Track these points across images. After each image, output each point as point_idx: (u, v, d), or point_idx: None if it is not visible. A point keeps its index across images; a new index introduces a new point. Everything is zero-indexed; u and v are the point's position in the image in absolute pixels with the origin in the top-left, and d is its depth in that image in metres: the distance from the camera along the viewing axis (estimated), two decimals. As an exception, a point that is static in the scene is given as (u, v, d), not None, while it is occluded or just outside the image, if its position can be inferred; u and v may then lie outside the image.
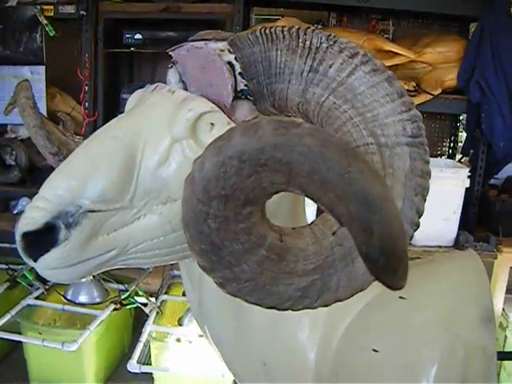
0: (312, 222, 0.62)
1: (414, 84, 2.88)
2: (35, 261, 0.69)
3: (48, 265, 0.69)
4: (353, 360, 0.81)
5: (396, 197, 0.66)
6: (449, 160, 3.06)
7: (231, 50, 0.75)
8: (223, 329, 0.86)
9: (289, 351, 0.85)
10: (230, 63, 0.74)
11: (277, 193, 0.49)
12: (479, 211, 2.87)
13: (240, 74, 0.74)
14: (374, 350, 0.78)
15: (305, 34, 0.72)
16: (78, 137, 1.06)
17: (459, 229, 2.84)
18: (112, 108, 3.02)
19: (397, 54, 2.92)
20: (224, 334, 0.87)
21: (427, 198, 0.66)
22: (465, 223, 2.85)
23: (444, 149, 3.47)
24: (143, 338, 2.56)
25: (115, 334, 2.93)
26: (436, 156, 3.41)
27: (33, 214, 0.69)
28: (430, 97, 2.77)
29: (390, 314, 0.81)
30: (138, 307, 2.84)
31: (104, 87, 2.97)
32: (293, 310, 0.61)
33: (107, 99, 3.01)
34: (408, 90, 2.95)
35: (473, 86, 2.63)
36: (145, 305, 2.82)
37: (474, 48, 2.65)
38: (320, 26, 3.02)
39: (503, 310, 2.96)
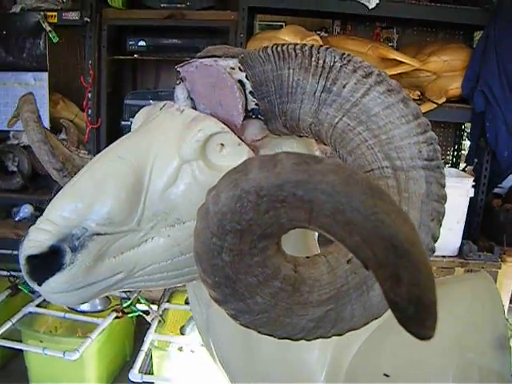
0: (326, 250, 0.60)
1: (418, 93, 2.87)
2: (40, 285, 0.67)
3: (53, 289, 0.67)
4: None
5: (414, 207, 0.64)
6: (453, 169, 3.03)
7: (242, 68, 0.73)
8: (230, 350, 0.84)
9: (297, 374, 0.83)
10: (240, 81, 0.72)
11: (295, 228, 0.47)
12: (483, 221, 2.85)
13: (251, 92, 0.72)
14: (385, 375, 0.76)
15: (318, 52, 0.70)
16: (82, 151, 1.04)
17: (463, 238, 2.82)
18: (115, 115, 3.00)
19: (401, 62, 2.90)
20: (230, 356, 0.85)
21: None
22: (469, 233, 2.83)
23: (448, 157, 3.45)
24: (145, 347, 2.53)
25: (117, 343, 2.91)
26: (440, 165, 3.38)
27: (38, 236, 0.67)
28: (434, 105, 2.75)
29: (402, 338, 0.79)
30: (139, 315, 2.81)
31: (107, 94, 2.95)
32: (306, 340, 0.59)
33: (110, 106, 2.99)
34: (413, 99, 2.93)
35: (477, 94, 2.61)
36: (147, 313, 2.79)
37: (479, 56, 2.63)
38: (323, 34, 3.00)
39: (507, 319, 2.93)
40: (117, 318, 2.73)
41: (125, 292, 2.86)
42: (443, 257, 2.85)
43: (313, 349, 0.83)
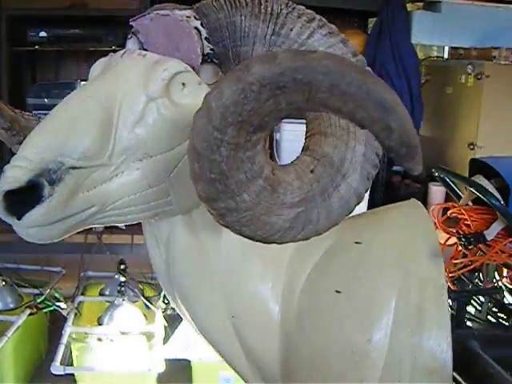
0: (292, 162, 0.69)
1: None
2: (19, 218, 0.71)
3: (32, 222, 0.71)
4: (316, 303, 0.88)
5: (360, 142, 0.74)
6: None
7: (197, 17, 0.80)
8: (191, 283, 0.90)
9: (252, 303, 0.91)
10: (196, 28, 0.80)
11: (288, 116, 0.55)
12: (384, 197, 3.06)
13: (206, 38, 0.80)
14: (337, 291, 0.86)
15: (266, 1, 0.78)
16: (26, 113, 1.06)
17: (366, 213, 3.01)
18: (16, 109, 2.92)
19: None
20: (192, 289, 0.91)
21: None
22: (372, 208, 3.02)
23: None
24: (64, 339, 2.51)
25: (32, 340, 2.85)
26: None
27: (14, 173, 0.70)
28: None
29: (349, 258, 0.89)
30: (53, 311, 2.78)
31: (8, 87, 2.88)
32: (277, 243, 0.68)
33: (11, 100, 2.91)
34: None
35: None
36: (61, 307, 2.76)
37: (374, 41, 2.84)
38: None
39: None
40: (31, 314, 2.68)
41: (37, 288, 2.82)
42: (349, 232, 3.04)
43: (266, 281, 0.91)
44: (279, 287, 0.91)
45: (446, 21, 2.85)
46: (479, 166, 2.07)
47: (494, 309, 1.81)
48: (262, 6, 0.78)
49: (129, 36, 0.90)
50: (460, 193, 2.12)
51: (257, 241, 0.66)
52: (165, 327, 2.74)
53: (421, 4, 3.01)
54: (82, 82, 3.08)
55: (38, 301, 2.72)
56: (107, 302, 2.88)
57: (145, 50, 0.86)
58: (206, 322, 0.93)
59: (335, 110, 0.49)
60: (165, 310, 2.87)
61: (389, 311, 0.85)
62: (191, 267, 0.90)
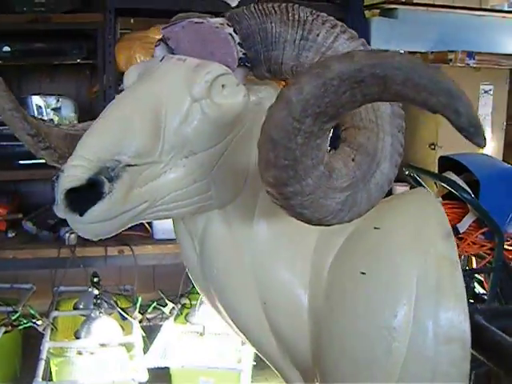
0: (336, 152, 0.77)
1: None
2: (81, 215, 0.76)
3: (95, 217, 0.76)
4: (343, 285, 0.96)
5: (387, 133, 0.83)
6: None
7: (229, 24, 0.87)
8: (225, 273, 0.97)
9: (282, 290, 0.98)
10: (230, 35, 0.87)
11: (360, 106, 0.63)
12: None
13: (239, 43, 0.87)
14: (362, 273, 0.95)
15: (292, 9, 0.87)
16: (46, 121, 1.10)
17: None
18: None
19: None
20: (226, 279, 0.97)
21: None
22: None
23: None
24: (43, 355, 2.51)
25: (7, 358, 2.83)
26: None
27: (74, 171, 0.75)
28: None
29: (369, 242, 0.98)
30: (27, 328, 2.77)
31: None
32: (327, 225, 0.75)
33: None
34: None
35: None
36: (37, 324, 2.75)
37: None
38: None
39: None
40: (6, 332, 2.66)
41: (11, 305, 2.79)
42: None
43: (295, 269, 0.99)
44: (306, 273, 0.98)
45: (402, 27, 3.01)
46: (447, 164, 2.21)
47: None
48: (290, 14, 0.86)
49: (156, 43, 0.96)
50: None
51: (313, 223, 0.74)
52: (143, 337, 2.77)
53: (377, 11, 3.16)
54: (34, 96, 3.08)
55: (13, 318, 2.71)
56: (82, 315, 2.88)
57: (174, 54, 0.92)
58: (239, 310, 0.99)
59: (409, 99, 0.58)
60: (141, 321, 2.90)
61: (411, 288, 0.93)
62: (225, 258, 0.96)
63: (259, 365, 2.77)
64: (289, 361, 1.04)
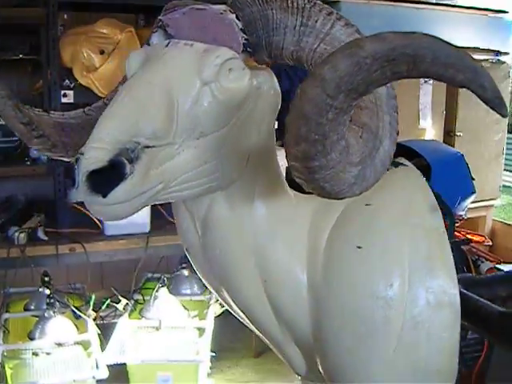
0: (347, 131, 0.82)
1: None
2: (105, 196, 0.77)
3: (117, 198, 0.78)
4: (340, 259, 1.01)
5: (385, 113, 0.88)
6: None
7: (231, 11, 0.91)
8: (228, 252, 1.00)
9: (280, 267, 1.03)
10: (233, 21, 0.90)
11: (387, 83, 0.68)
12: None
13: (241, 29, 0.90)
14: (358, 247, 1.00)
15: None
16: (36, 109, 1.09)
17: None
18: None
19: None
20: (228, 258, 1.00)
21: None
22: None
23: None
24: (-2, 359, 2.46)
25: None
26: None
27: (95, 154, 0.77)
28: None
29: (362, 219, 1.03)
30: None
31: None
32: (341, 198, 0.80)
33: None
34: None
35: (283, 74, 2.99)
36: (-14, 327, 2.68)
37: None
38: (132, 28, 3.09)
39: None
40: (-46, 337, 2.58)
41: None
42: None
43: (292, 248, 1.03)
44: (303, 252, 1.03)
45: (345, 19, 3.10)
46: (398, 150, 2.31)
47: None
48: (289, 1, 0.90)
49: (154, 30, 0.98)
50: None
51: (331, 197, 0.79)
52: (98, 335, 2.74)
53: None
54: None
55: (-38, 323, 2.63)
56: (34, 316, 2.83)
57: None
58: (241, 288, 1.03)
59: (437, 75, 0.63)
60: (95, 318, 2.87)
61: (404, 259, 1.00)
62: (228, 239, 1.00)
63: (217, 356, 2.82)
64: (289, 338, 1.08)
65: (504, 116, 0.64)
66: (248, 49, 0.92)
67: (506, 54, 3.60)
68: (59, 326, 2.71)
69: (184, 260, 3.23)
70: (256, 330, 1.13)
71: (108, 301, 2.93)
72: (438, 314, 1.00)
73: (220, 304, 3.04)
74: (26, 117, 1.02)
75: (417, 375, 1.01)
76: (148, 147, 0.81)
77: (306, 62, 0.90)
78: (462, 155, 1.82)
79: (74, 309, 2.82)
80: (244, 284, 1.03)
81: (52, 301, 2.76)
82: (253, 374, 3.24)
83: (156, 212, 3.08)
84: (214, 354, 2.75)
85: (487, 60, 3.49)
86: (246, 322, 1.12)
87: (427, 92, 3.25)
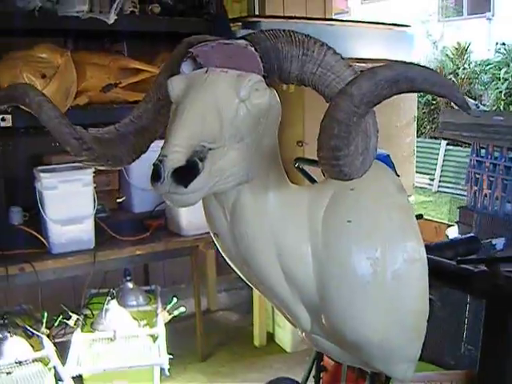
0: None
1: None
2: (186, 186, 1.08)
3: (195, 188, 1.09)
4: (335, 231, 1.36)
5: (368, 117, 1.25)
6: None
7: (251, 45, 1.24)
8: (251, 233, 1.31)
9: (290, 241, 1.36)
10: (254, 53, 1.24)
11: (392, 96, 1.04)
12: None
13: (260, 58, 1.24)
14: (348, 221, 1.36)
15: (293, 33, 1.26)
16: (78, 127, 1.35)
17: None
18: None
19: (141, 70, 3.48)
20: (251, 237, 1.32)
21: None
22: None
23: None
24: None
25: None
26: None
27: (176, 156, 1.07)
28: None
29: (349, 200, 1.39)
30: None
31: None
32: (351, 179, 1.16)
33: None
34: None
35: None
36: None
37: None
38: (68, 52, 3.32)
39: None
40: None
41: None
42: (207, 233, 3.50)
43: (296, 223, 1.37)
44: (305, 227, 1.37)
45: (265, 38, 3.50)
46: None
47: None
48: (293, 37, 1.25)
49: (184, 59, 1.29)
50: (316, 179, 2.71)
51: (346, 178, 1.13)
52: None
53: (240, 24, 3.63)
54: None
55: None
56: (-14, 338, 2.96)
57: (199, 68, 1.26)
58: (261, 262, 1.35)
59: (426, 91, 1.01)
60: (49, 335, 3.05)
61: (384, 229, 1.37)
62: (252, 221, 1.31)
63: (175, 358, 3.08)
64: (298, 299, 1.41)
65: (469, 114, 1.03)
66: (264, 73, 1.25)
67: (411, 64, 4.15)
68: (16, 345, 2.88)
69: (128, 273, 3.48)
70: (271, 298, 1.46)
71: (60, 317, 3.11)
72: (412, 267, 1.38)
73: (168, 312, 3.33)
74: (77, 133, 1.30)
75: (399, 314, 1.38)
76: (210, 149, 1.12)
77: (308, 82, 1.25)
78: (388, 155, 2.22)
79: (29, 327, 2.99)
80: (264, 257, 1.35)
81: (6, 321, 2.92)
82: (201, 377, 3.52)
83: (99, 228, 3.32)
84: (171, 357, 3.01)
85: (394, 70, 4.01)
86: (263, 291, 1.45)
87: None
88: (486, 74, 11.68)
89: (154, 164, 1.10)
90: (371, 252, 1.36)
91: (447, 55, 12.52)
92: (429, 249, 1.60)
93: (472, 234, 2.04)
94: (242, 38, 1.28)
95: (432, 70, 1.03)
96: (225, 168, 1.18)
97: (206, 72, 1.22)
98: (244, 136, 1.20)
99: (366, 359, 1.48)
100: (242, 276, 1.46)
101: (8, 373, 2.77)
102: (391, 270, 1.37)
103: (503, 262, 1.45)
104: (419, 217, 1.71)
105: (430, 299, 1.46)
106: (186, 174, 1.09)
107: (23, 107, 1.32)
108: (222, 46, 1.25)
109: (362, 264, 1.36)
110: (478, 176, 2.92)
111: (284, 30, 1.26)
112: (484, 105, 10.90)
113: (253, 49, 1.24)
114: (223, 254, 1.43)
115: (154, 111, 1.43)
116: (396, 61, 1.02)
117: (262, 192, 1.31)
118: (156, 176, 1.08)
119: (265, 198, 1.32)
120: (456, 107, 1.02)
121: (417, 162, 4.47)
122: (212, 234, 1.41)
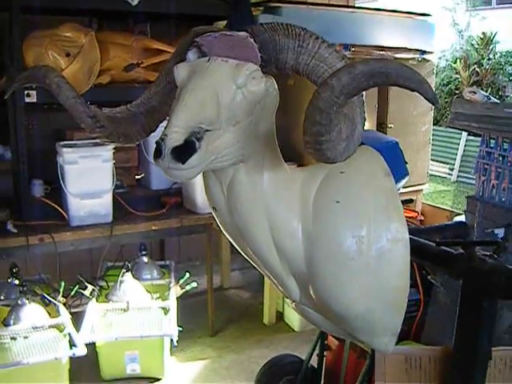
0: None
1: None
2: (183, 163, 1.23)
3: (192, 164, 1.23)
4: (325, 210, 1.50)
5: (356, 106, 1.38)
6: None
7: (251, 37, 1.38)
8: (246, 208, 1.45)
9: (282, 217, 1.50)
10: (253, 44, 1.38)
11: (369, 88, 1.18)
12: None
13: (258, 49, 1.38)
14: (337, 202, 1.50)
15: (289, 26, 1.39)
16: (93, 106, 1.51)
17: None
18: None
19: (162, 51, 3.63)
20: (246, 212, 1.46)
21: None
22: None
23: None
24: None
25: None
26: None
27: (175, 136, 1.22)
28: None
29: (339, 182, 1.53)
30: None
31: None
32: (334, 162, 1.30)
33: None
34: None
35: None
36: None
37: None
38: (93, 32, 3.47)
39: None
40: None
41: None
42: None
43: (289, 204, 1.51)
44: (297, 205, 1.52)
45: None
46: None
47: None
48: (289, 30, 1.38)
49: (190, 48, 1.44)
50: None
51: (329, 161, 1.27)
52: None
53: (261, 8, 3.75)
54: None
55: None
56: (6, 305, 3.18)
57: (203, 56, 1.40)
58: (255, 235, 1.50)
59: (399, 85, 1.13)
60: (65, 304, 3.24)
61: (369, 210, 1.51)
62: (247, 197, 1.46)
63: (186, 332, 3.27)
64: (288, 272, 1.56)
65: (437, 107, 1.16)
66: (262, 63, 1.39)
67: (431, 53, 4.27)
68: (33, 311, 3.09)
69: (143, 248, 3.67)
70: (263, 269, 1.61)
71: (76, 287, 3.30)
72: (395, 247, 1.52)
73: (180, 286, 3.51)
74: (92, 111, 1.45)
75: (381, 289, 1.52)
76: (207, 131, 1.27)
77: (302, 72, 1.39)
78: (397, 142, 2.33)
79: (46, 295, 3.19)
80: (257, 231, 1.50)
81: (24, 289, 3.12)
82: (210, 351, 3.70)
83: (117, 203, 3.50)
84: (180, 329, 3.19)
85: (414, 58, 4.14)
86: (256, 262, 1.60)
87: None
88: (510, 65, 11.62)
89: (156, 142, 1.25)
90: (357, 230, 1.50)
91: (472, 45, 12.49)
92: (418, 231, 1.75)
93: (461, 220, 2.15)
94: (244, 30, 1.42)
95: (407, 66, 1.16)
96: (220, 148, 1.32)
97: (208, 60, 1.36)
98: (239, 120, 1.34)
99: (349, 330, 1.63)
100: (237, 248, 1.61)
101: (25, 337, 2.98)
102: (375, 248, 1.51)
103: (478, 245, 1.58)
104: (409, 201, 1.84)
105: (434, 285, 1.59)
106: (184, 151, 1.23)
107: (43, 86, 1.47)
108: (225, 37, 1.39)
109: (348, 241, 1.50)
110: (486, 166, 3.01)
111: (282, 24, 1.39)
112: (508, 96, 10.87)
113: (252, 40, 1.37)
114: (221, 227, 1.59)
115: (163, 94, 1.57)
116: (374, 59, 1.15)
117: (257, 171, 1.46)
118: (158, 153, 1.23)
119: (259, 177, 1.47)
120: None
121: (437, 150, 4.59)
122: (211, 208, 1.56)
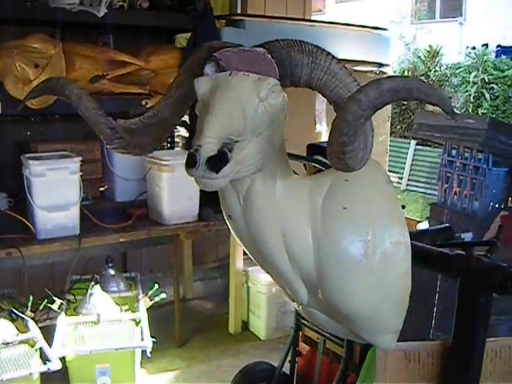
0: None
1: (148, 88, 3.70)
2: (217, 172, 1.31)
3: (225, 173, 1.32)
4: (332, 216, 1.60)
5: (370, 133, 1.49)
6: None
7: (268, 53, 1.48)
8: (261, 216, 1.55)
9: (293, 223, 1.61)
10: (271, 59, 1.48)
11: (393, 102, 1.29)
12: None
13: (276, 64, 1.48)
14: (344, 208, 1.62)
15: (304, 43, 1.50)
16: (110, 117, 1.57)
17: (200, 205, 3.77)
18: None
19: (127, 63, 3.68)
20: (261, 220, 1.56)
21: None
22: (204, 200, 3.77)
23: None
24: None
25: None
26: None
27: (209, 146, 1.30)
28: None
29: (345, 189, 1.64)
30: None
31: None
32: (353, 170, 1.41)
33: None
34: (143, 94, 3.75)
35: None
36: None
37: (189, 54, 3.60)
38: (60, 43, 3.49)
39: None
40: None
41: None
42: (188, 223, 3.75)
43: (298, 210, 1.61)
44: (306, 212, 1.62)
45: (249, 36, 3.72)
46: (314, 150, 2.98)
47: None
48: (303, 46, 1.49)
49: (208, 62, 1.52)
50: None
51: (349, 170, 1.39)
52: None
53: (224, 21, 3.86)
54: None
55: None
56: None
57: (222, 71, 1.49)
58: (268, 241, 1.59)
59: (422, 99, 1.26)
60: (33, 318, 3.23)
61: (374, 215, 1.63)
62: (261, 205, 1.55)
63: (157, 341, 3.30)
64: (298, 276, 1.66)
65: (456, 120, 1.29)
66: (278, 78, 1.49)
67: (387, 65, 4.48)
68: (1, 327, 3.06)
69: (110, 260, 3.69)
70: (273, 274, 1.70)
71: (45, 301, 3.29)
72: (397, 249, 1.64)
73: (149, 298, 3.55)
74: (111, 123, 1.52)
75: (385, 290, 1.64)
76: (236, 141, 1.36)
77: (315, 86, 1.50)
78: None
79: (15, 310, 3.17)
80: (270, 238, 1.59)
81: (-7, 305, 3.10)
82: (179, 362, 3.76)
83: (83, 216, 3.51)
84: (154, 340, 3.23)
85: (372, 71, 4.33)
86: (266, 268, 1.69)
87: (321, 100, 3.99)
88: (456, 77, 12.16)
89: (189, 152, 1.33)
90: (363, 235, 1.62)
91: (419, 57, 12.98)
92: (411, 236, 1.87)
93: (447, 225, 2.31)
94: (260, 45, 1.52)
95: (425, 82, 1.29)
96: (246, 158, 1.42)
97: (230, 75, 1.46)
98: (262, 131, 1.44)
99: (355, 330, 1.75)
100: (248, 254, 1.70)
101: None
102: (380, 251, 1.63)
103: (476, 245, 1.73)
104: (403, 207, 1.97)
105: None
106: (218, 161, 1.32)
107: (62, 98, 1.53)
108: (244, 52, 1.49)
109: (355, 245, 1.61)
110: (448, 175, 3.21)
111: (296, 40, 1.50)
112: (454, 107, 11.37)
113: (270, 56, 1.48)
114: (234, 235, 1.67)
115: (174, 106, 1.66)
116: (396, 76, 1.28)
117: (271, 180, 1.56)
118: (192, 163, 1.31)
119: (273, 186, 1.56)
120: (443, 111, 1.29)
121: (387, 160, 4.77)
122: (226, 217, 1.64)
